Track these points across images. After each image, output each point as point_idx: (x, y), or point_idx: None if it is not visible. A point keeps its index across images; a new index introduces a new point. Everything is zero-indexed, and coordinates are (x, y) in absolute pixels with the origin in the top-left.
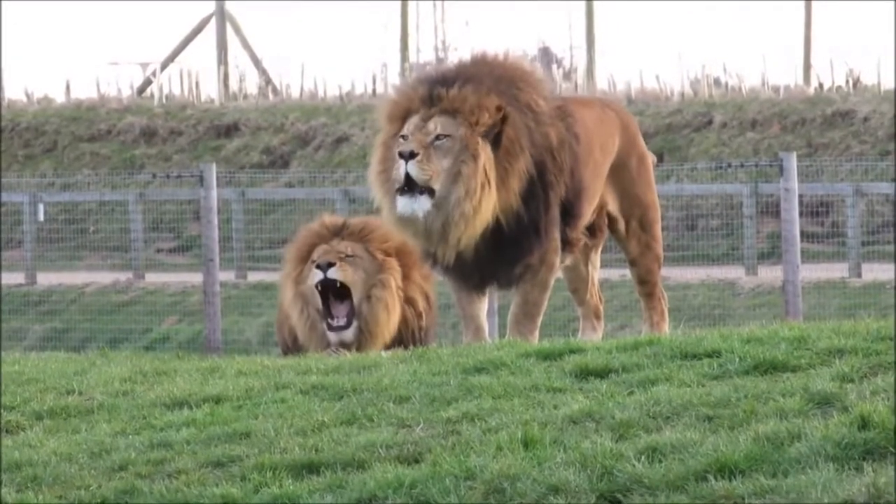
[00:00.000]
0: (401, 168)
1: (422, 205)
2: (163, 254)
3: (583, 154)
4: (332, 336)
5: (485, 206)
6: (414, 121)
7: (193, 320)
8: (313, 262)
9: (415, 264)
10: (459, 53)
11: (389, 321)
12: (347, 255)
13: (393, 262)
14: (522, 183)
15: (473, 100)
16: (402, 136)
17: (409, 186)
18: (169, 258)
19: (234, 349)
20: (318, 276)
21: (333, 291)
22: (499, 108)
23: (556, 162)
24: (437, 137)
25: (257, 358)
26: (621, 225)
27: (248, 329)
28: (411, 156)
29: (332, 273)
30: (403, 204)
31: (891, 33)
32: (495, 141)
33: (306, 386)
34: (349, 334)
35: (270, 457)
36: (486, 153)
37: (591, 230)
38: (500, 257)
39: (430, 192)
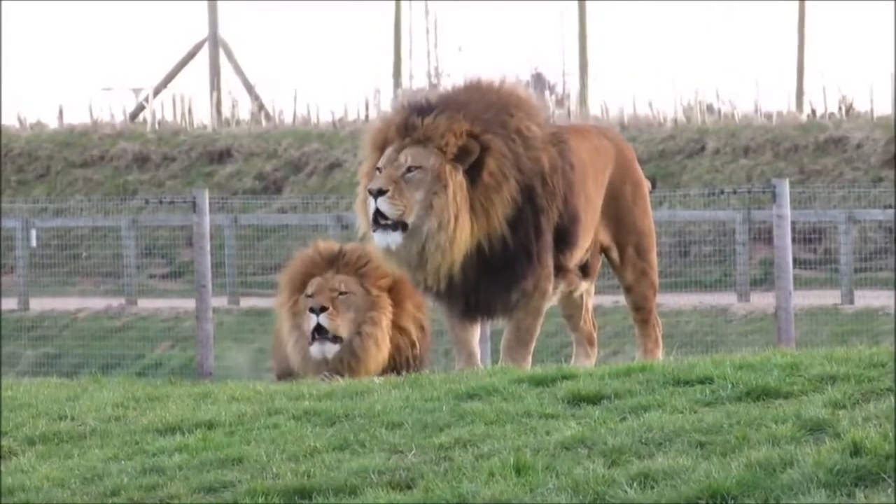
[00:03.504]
0: (371, 205)
1: (394, 239)
2: (155, 279)
3: (577, 183)
4: (316, 349)
5: (460, 235)
6: (388, 152)
7: (186, 346)
8: (308, 296)
9: (409, 294)
10: (453, 79)
11: (378, 357)
12: (341, 293)
13: (385, 299)
14: (507, 209)
15: (443, 126)
16: (378, 170)
17: (383, 220)
18: (161, 284)
19: (227, 375)
20: (312, 320)
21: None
22: (470, 133)
23: (548, 187)
24: (409, 169)
25: (250, 384)
26: (616, 253)
27: (241, 355)
28: (380, 193)
29: (323, 320)
30: (378, 238)
31: (886, 60)
32: (474, 168)
33: (299, 411)
34: (332, 348)
35: (262, 482)
36: (455, 180)
37: (584, 270)
38: (491, 283)
39: (403, 226)
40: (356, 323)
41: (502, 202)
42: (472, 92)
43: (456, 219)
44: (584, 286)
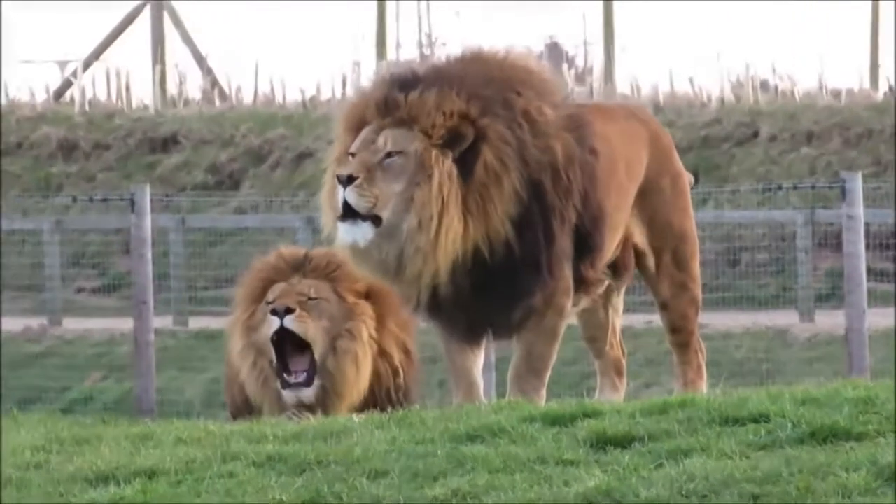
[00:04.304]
0: (339, 194)
1: (363, 233)
2: (85, 294)
3: (602, 174)
4: (289, 395)
5: (446, 236)
6: (364, 133)
7: (122, 376)
8: (268, 303)
9: (390, 309)
10: (449, 49)
11: (359, 378)
12: (310, 298)
13: (365, 307)
14: (510, 206)
15: (431, 104)
16: (351, 154)
17: (350, 212)
18: (92, 300)
19: (172, 411)
20: (274, 324)
21: (292, 341)
22: (464, 114)
23: (562, 182)
24: (388, 155)
25: (200, 422)
26: (650, 260)
27: (189, 387)
28: (349, 181)
29: (290, 322)
30: (344, 232)
31: None
32: (468, 158)
33: (260, 457)
34: (309, 393)
35: None
36: (442, 168)
37: (615, 268)
38: (490, 298)
39: (375, 218)
40: (331, 335)
41: (503, 198)
42: (470, 64)
43: (441, 217)
44: (612, 287)
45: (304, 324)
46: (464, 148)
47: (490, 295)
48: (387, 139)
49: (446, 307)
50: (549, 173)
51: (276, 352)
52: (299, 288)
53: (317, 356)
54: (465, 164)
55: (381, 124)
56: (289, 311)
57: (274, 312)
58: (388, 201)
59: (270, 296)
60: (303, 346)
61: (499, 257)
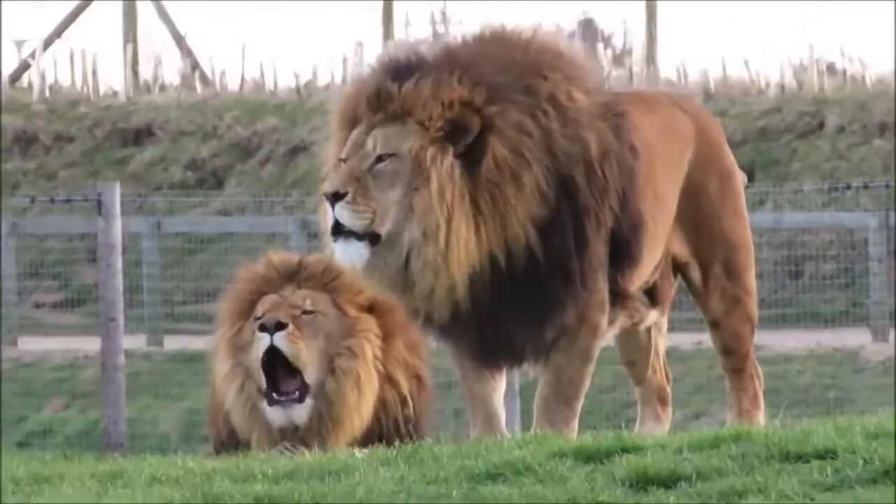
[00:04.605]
0: (328, 213)
1: (359, 253)
2: (44, 310)
3: (641, 174)
4: (276, 414)
5: (457, 245)
6: (355, 135)
7: (87, 405)
8: (257, 318)
9: (398, 326)
10: (465, 28)
11: (361, 403)
12: (305, 312)
13: (369, 322)
14: (532, 207)
15: (427, 94)
16: (342, 160)
17: (341, 229)
18: (53, 316)
19: (145, 446)
20: (263, 342)
21: (283, 362)
22: (466, 102)
23: (596, 179)
24: (380, 159)
25: (177, 458)
26: (697, 272)
27: (165, 417)
28: (336, 197)
29: (280, 341)
30: (339, 251)
31: None
32: (475, 154)
33: (248, 498)
34: (301, 412)
35: None
36: (440, 167)
37: (652, 295)
38: (515, 314)
39: (373, 237)
40: (328, 356)
41: (523, 198)
42: (487, 45)
43: (449, 223)
44: (653, 317)
45: (296, 346)
46: (468, 141)
47: (515, 311)
48: (376, 140)
49: (462, 325)
50: (581, 168)
51: (266, 374)
52: (292, 300)
53: (311, 379)
54: (474, 160)
55: (371, 122)
56: (280, 326)
57: (263, 328)
58: (387, 214)
59: (259, 309)
60: (295, 368)
61: (521, 266)
